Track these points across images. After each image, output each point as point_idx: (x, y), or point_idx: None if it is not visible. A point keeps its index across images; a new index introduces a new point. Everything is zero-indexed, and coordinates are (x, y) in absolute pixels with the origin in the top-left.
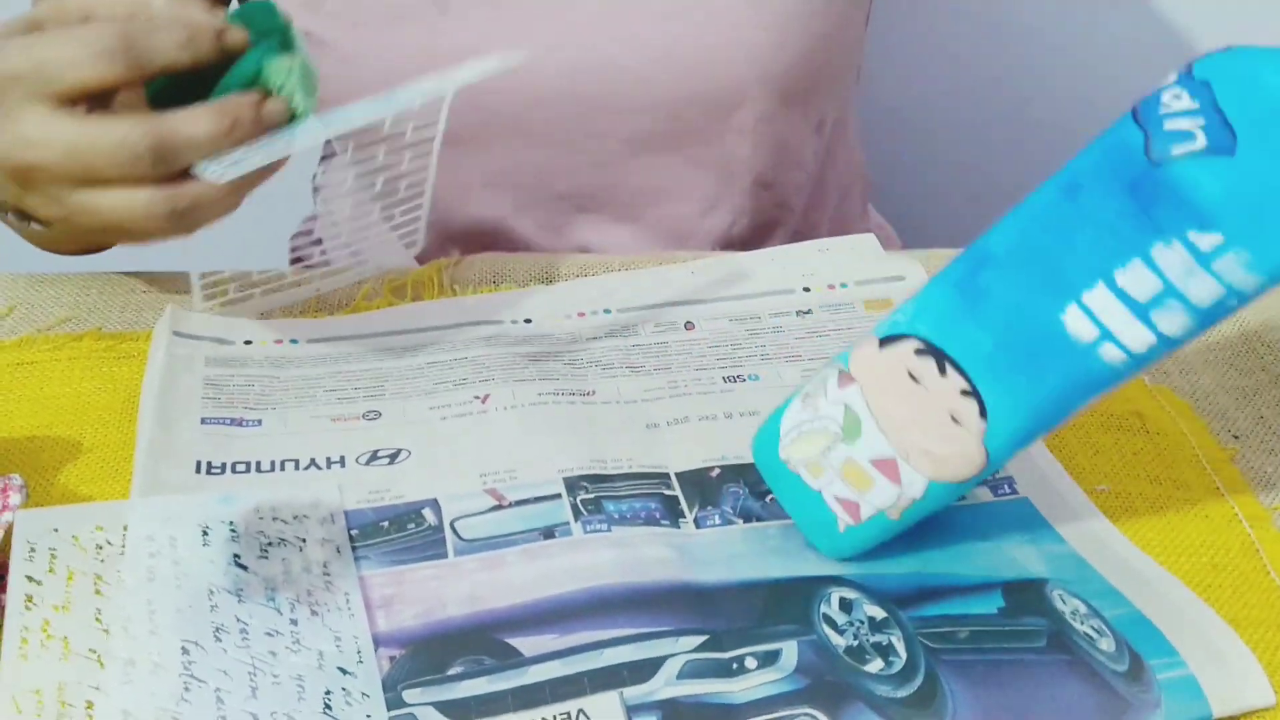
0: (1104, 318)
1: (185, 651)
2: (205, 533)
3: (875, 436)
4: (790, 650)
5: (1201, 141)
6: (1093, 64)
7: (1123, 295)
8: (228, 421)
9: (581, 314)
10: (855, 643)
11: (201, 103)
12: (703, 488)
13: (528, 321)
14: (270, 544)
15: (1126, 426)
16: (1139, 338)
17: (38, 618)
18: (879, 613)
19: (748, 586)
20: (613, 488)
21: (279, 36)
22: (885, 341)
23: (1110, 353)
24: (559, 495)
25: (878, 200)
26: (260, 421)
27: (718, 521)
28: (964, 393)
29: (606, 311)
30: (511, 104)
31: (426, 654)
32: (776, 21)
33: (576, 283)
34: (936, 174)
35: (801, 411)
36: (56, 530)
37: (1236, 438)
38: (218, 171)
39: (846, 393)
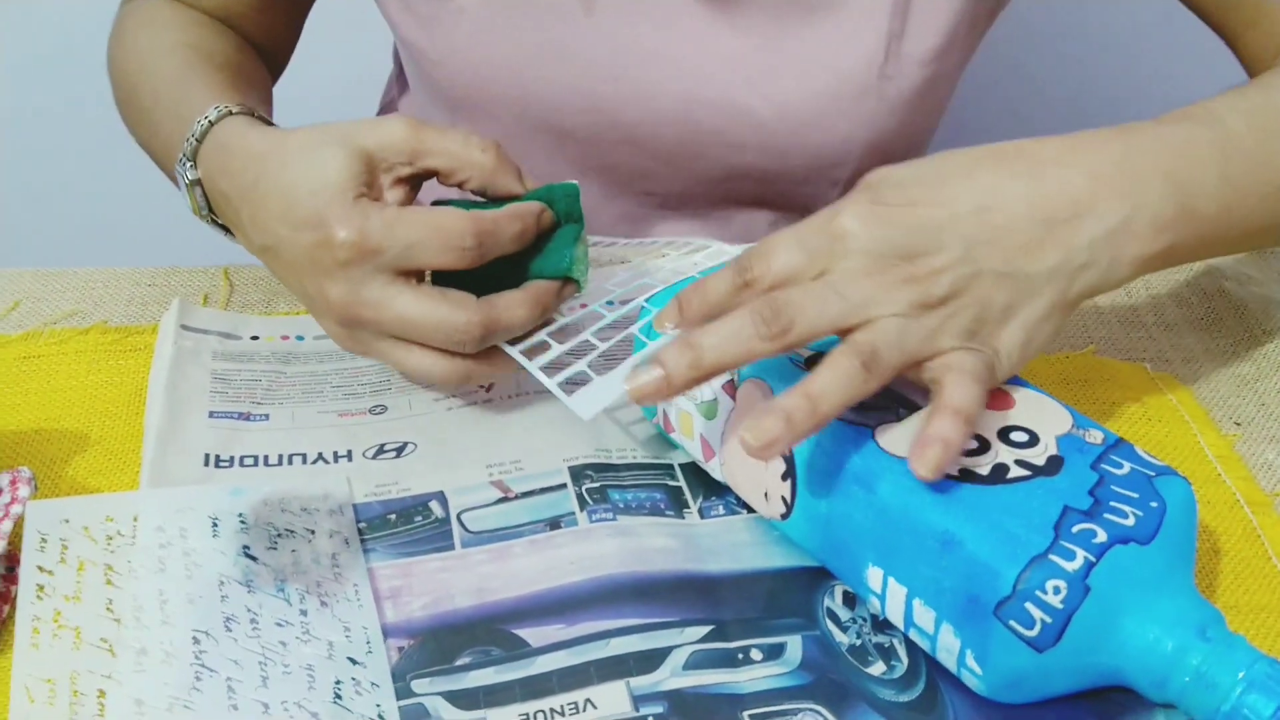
0: (876, 586)
1: (196, 641)
2: (215, 524)
3: (715, 430)
4: (795, 645)
5: (1033, 633)
6: (1091, 66)
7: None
8: (235, 416)
9: (584, 305)
10: (858, 642)
11: (516, 290)
12: (707, 478)
13: None
14: (279, 535)
15: (1128, 414)
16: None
17: (49, 608)
18: (881, 611)
19: (752, 576)
20: (617, 477)
21: (581, 223)
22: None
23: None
24: (564, 485)
25: None
26: (268, 416)
27: (721, 512)
28: (783, 476)
29: (609, 303)
30: (629, 114)
31: (435, 644)
32: (901, 96)
33: None
34: None
35: None
36: (67, 521)
37: (1238, 424)
38: (588, 410)
39: (722, 395)
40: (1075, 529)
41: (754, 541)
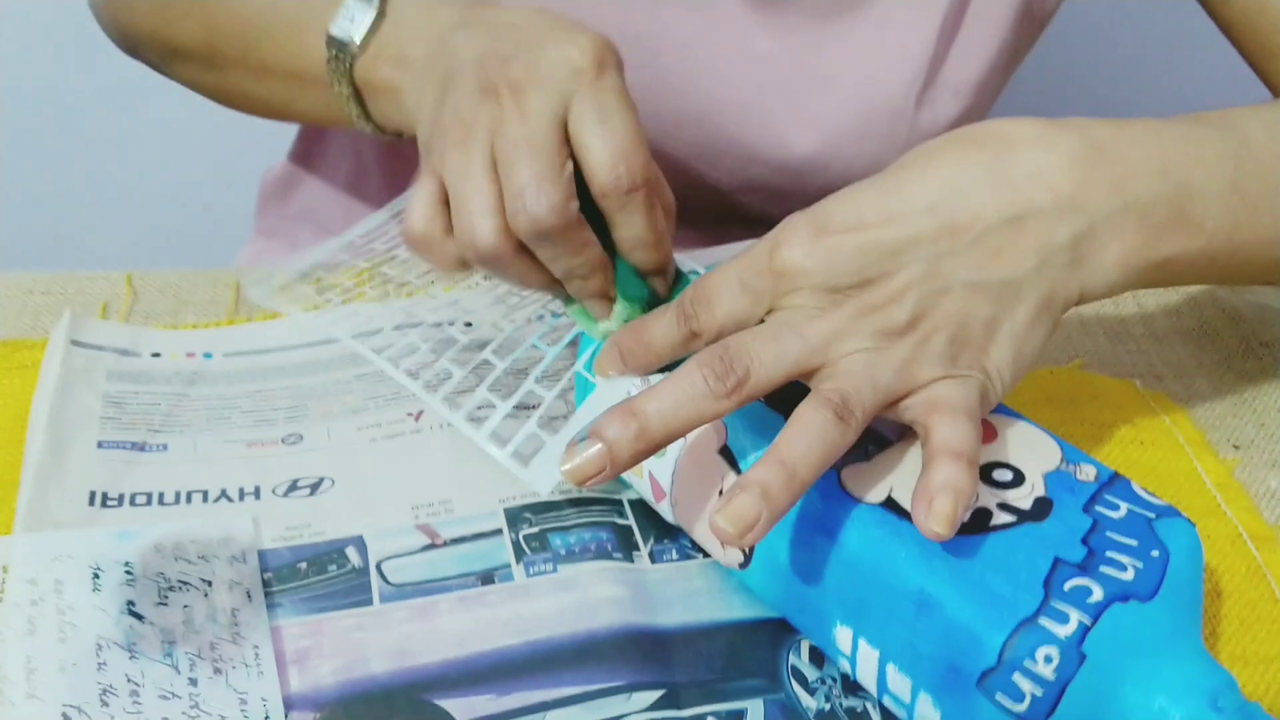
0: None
1: (67, 718)
2: (96, 575)
3: (665, 468)
4: (756, 710)
5: (1022, 707)
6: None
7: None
8: (128, 446)
9: (529, 320)
10: (827, 706)
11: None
12: (659, 518)
13: (468, 325)
14: (171, 588)
15: (1119, 437)
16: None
17: None
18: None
19: (708, 630)
20: (560, 517)
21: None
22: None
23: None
24: (499, 531)
25: None
26: (166, 446)
27: (675, 556)
28: None
29: (555, 315)
30: (646, 107)
31: (345, 718)
32: (935, 126)
33: None
34: None
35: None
36: None
37: (1237, 448)
38: (547, 483)
39: None
40: (1068, 586)
41: (710, 589)
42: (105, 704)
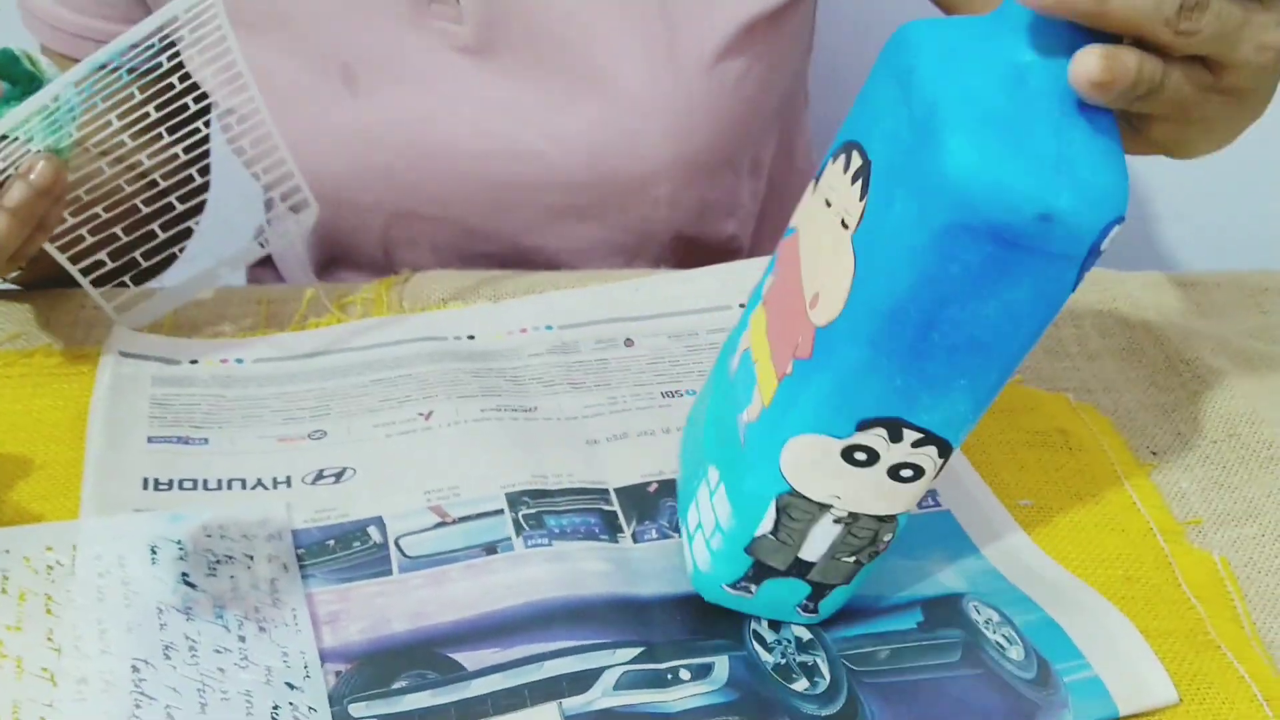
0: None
1: (136, 669)
2: (154, 551)
3: None
4: (722, 664)
5: None
6: None
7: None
8: (175, 440)
9: (524, 330)
10: (783, 661)
11: None
12: (641, 502)
13: (471, 338)
14: (218, 561)
15: (1050, 443)
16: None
17: None
18: (805, 633)
19: (683, 599)
20: (553, 503)
21: (23, 86)
22: None
23: None
24: (501, 511)
25: None
26: (206, 440)
27: (655, 536)
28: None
29: (549, 328)
30: (429, 182)
31: (372, 669)
32: (687, 106)
33: (520, 300)
34: None
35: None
36: (8, 551)
37: (1155, 454)
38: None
39: None
40: None
41: (685, 565)
42: (168, 657)
